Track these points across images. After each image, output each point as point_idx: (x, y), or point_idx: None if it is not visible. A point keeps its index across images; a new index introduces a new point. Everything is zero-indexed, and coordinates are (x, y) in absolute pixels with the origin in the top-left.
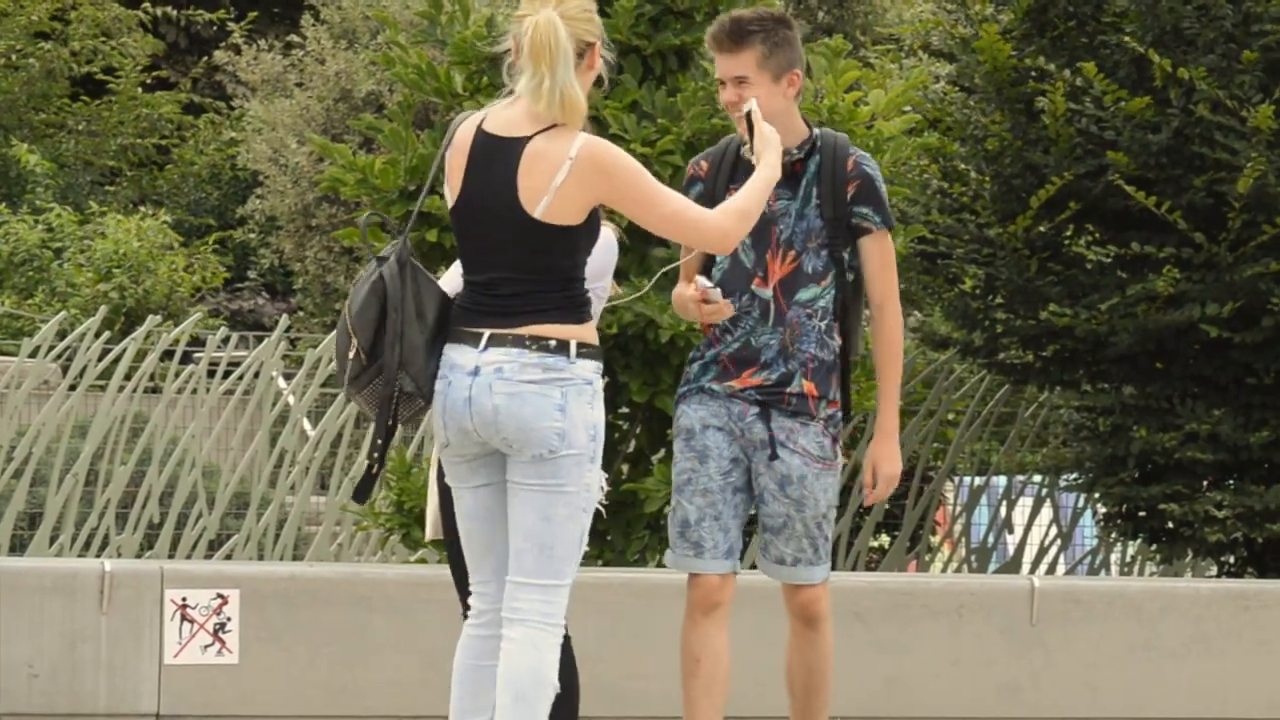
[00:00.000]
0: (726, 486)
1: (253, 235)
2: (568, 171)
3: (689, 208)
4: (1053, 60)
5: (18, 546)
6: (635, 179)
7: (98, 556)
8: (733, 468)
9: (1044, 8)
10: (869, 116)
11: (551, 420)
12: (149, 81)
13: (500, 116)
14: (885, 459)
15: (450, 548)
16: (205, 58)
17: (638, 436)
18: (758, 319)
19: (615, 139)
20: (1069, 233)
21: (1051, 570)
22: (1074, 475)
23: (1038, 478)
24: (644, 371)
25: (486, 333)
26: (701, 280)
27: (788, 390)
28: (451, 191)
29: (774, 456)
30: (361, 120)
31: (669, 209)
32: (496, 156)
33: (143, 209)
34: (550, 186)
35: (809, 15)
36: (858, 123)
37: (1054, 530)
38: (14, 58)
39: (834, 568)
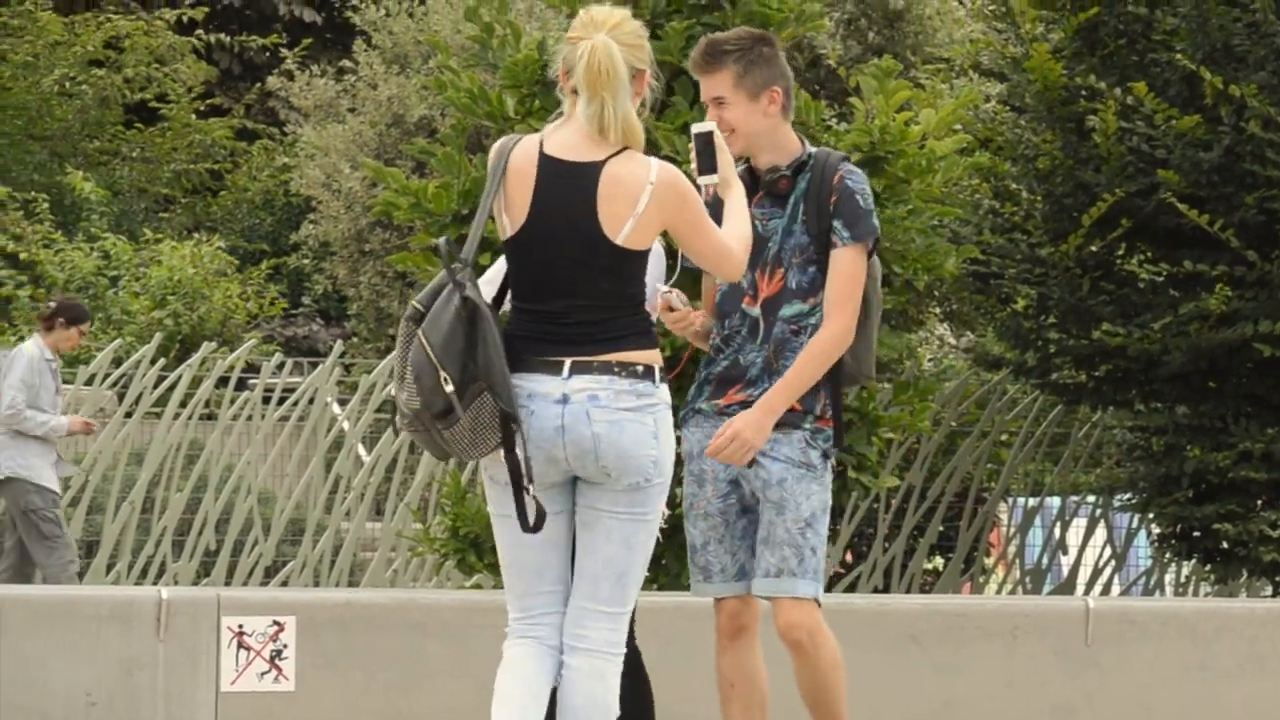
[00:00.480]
0: (728, 509)
1: (306, 261)
2: (650, 196)
3: (726, 236)
4: (1103, 79)
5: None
6: (701, 207)
7: (154, 584)
8: (731, 490)
9: (1094, 26)
10: (920, 136)
11: (648, 448)
12: (202, 108)
13: (559, 140)
14: (748, 425)
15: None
16: (258, 84)
17: None
18: (745, 337)
19: (668, 161)
20: (1121, 251)
21: (1106, 591)
22: (1128, 495)
23: (1091, 498)
24: None
25: (568, 360)
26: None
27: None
28: (514, 219)
29: (754, 463)
30: (414, 145)
31: (717, 239)
32: (569, 181)
33: (197, 235)
34: (634, 212)
35: (859, 36)
36: (909, 142)
37: (1108, 551)
38: (68, 85)
39: (887, 589)
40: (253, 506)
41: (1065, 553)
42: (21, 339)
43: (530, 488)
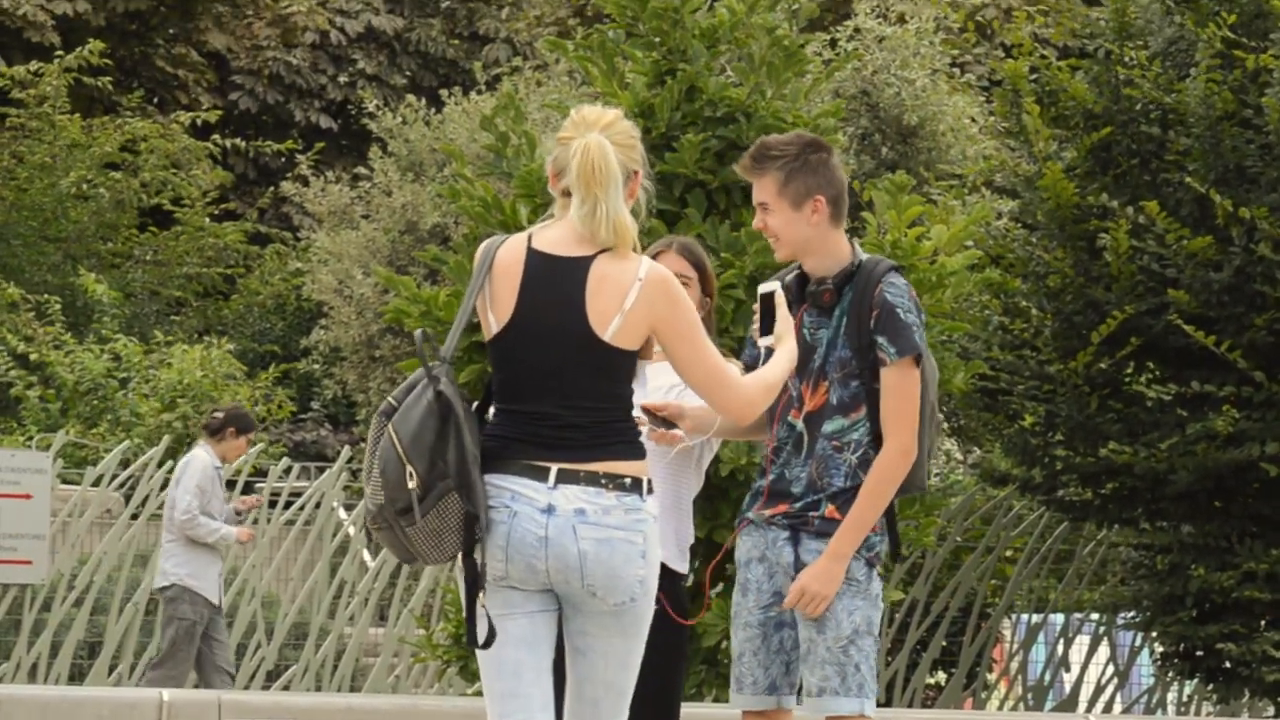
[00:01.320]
0: (768, 622)
1: (316, 366)
2: (638, 293)
3: (728, 367)
4: (1115, 198)
5: (77, 676)
6: (693, 316)
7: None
8: (774, 601)
9: (1107, 146)
10: (931, 251)
11: (636, 568)
12: (216, 212)
13: (548, 236)
14: (814, 578)
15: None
16: (272, 188)
17: (695, 570)
18: (791, 450)
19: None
20: (1129, 370)
21: (1108, 709)
22: (1131, 613)
23: (1095, 615)
24: (703, 505)
25: (554, 467)
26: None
27: (813, 514)
28: (499, 315)
29: (794, 577)
30: (427, 252)
31: (713, 361)
32: (558, 277)
33: (207, 338)
34: (622, 308)
35: (873, 151)
36: (920, 257)
37: (1111, 668)
38: (84, 188)
39: (889, 703)
40: (256, 610)
41: (1068, 670)
42: (30, 439)
43: (483, 600)
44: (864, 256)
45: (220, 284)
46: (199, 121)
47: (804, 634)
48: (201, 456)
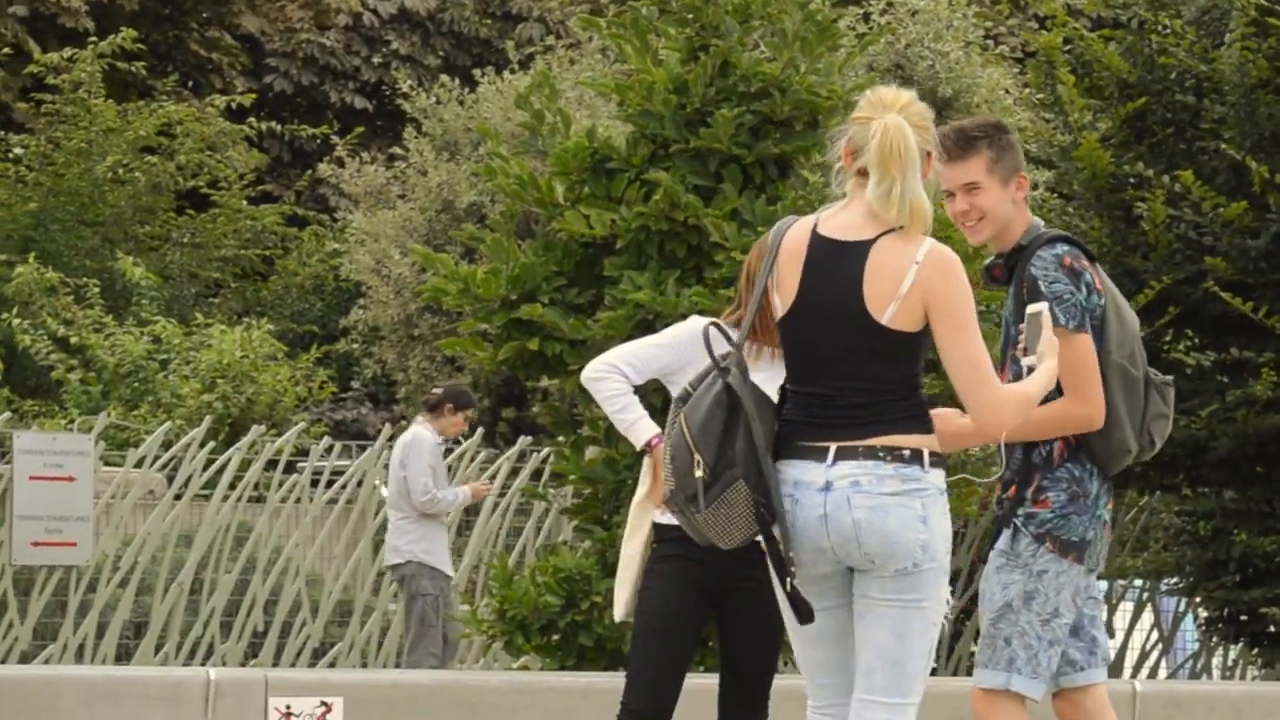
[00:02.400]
0: None
1: (355, 345)
2: (914, 276)
3: (990, 364)
4: (1151, 167)
5: (124, 655)
6: (966, 299)
7: (202, 665)
8: None
9: (1142, 115)
10: None
11: (915, 532)
12: (253, 195)
13: (836, 221)
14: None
15: (640, 648)
16: (309, 170)
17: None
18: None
19: (716, 247)
20: (1168, 338)
21: (1153, 674)
22: (1174, 579)
23: (1139, 582)
24: None
25: (833, 446)
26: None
27: (1004, 495)
28: (784, 299)
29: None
30: (464, 231)
31: (976, 350)
32: (838, 261)
33: (246, 320)
34: (898, 292)
35: None
36: (955, 229)
37: (1155, 634)
38: (121, 172)
39: (935, 672)
40: (300, 588)
41: (1112, 636)
42: (71, 422)
43: (793, 581)
44: (1039, 231)
45: (258, 266)
46: (234, 105)
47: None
48: (425, 434)
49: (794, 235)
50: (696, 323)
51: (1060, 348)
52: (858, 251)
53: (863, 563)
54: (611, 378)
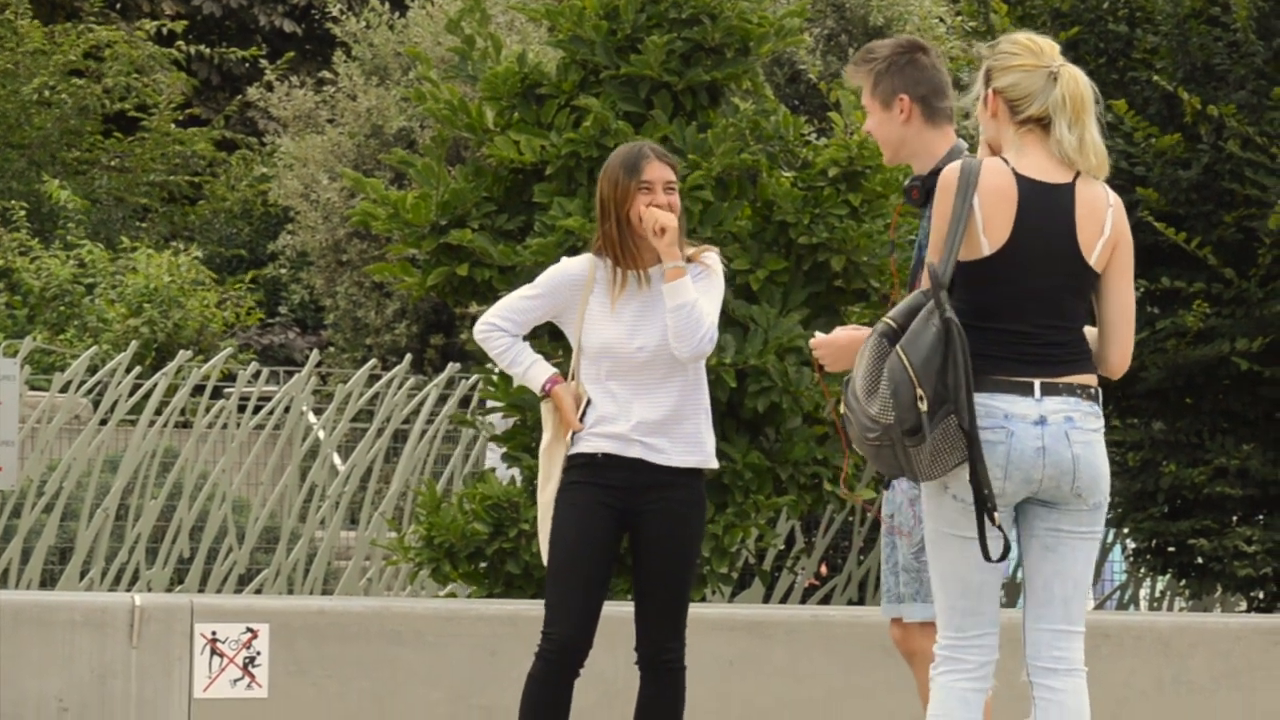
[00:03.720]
0: None
1: (284, 271)
2: (1111, 218)
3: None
4: None
5: (48, 581)
6: (1131, 243)
7: (128, 590)
8: None
9: (1074, 44)
10: None
11: (1108, 468)
12: (181, 118)
13: (1028, 164)
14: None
15: (555, 576)
16: (238, 95)
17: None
18: None
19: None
20: None
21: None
22: None
23: None
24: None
25: (1037, 381)
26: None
27: None
28: (993, 239)
29: (887, 485)
30: (393, 155)
31: (1132, 297)
32: (1049, 202)
33: (174, 244)
34: (1102, 233)
35: (839, 52)
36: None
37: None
38: (48, 94)
39: (863, 601)
40: (227, 514)
41: None
42: None
43: (996, 515)
44: (963, 154)
45: (186, 190)
46: (164, 29)
47: (886, 539)
48: None
49: (996, 176)
50: (566, 265)
51: None
52: (1065, 194)
53: (1066, 496)
54: (494, 334)
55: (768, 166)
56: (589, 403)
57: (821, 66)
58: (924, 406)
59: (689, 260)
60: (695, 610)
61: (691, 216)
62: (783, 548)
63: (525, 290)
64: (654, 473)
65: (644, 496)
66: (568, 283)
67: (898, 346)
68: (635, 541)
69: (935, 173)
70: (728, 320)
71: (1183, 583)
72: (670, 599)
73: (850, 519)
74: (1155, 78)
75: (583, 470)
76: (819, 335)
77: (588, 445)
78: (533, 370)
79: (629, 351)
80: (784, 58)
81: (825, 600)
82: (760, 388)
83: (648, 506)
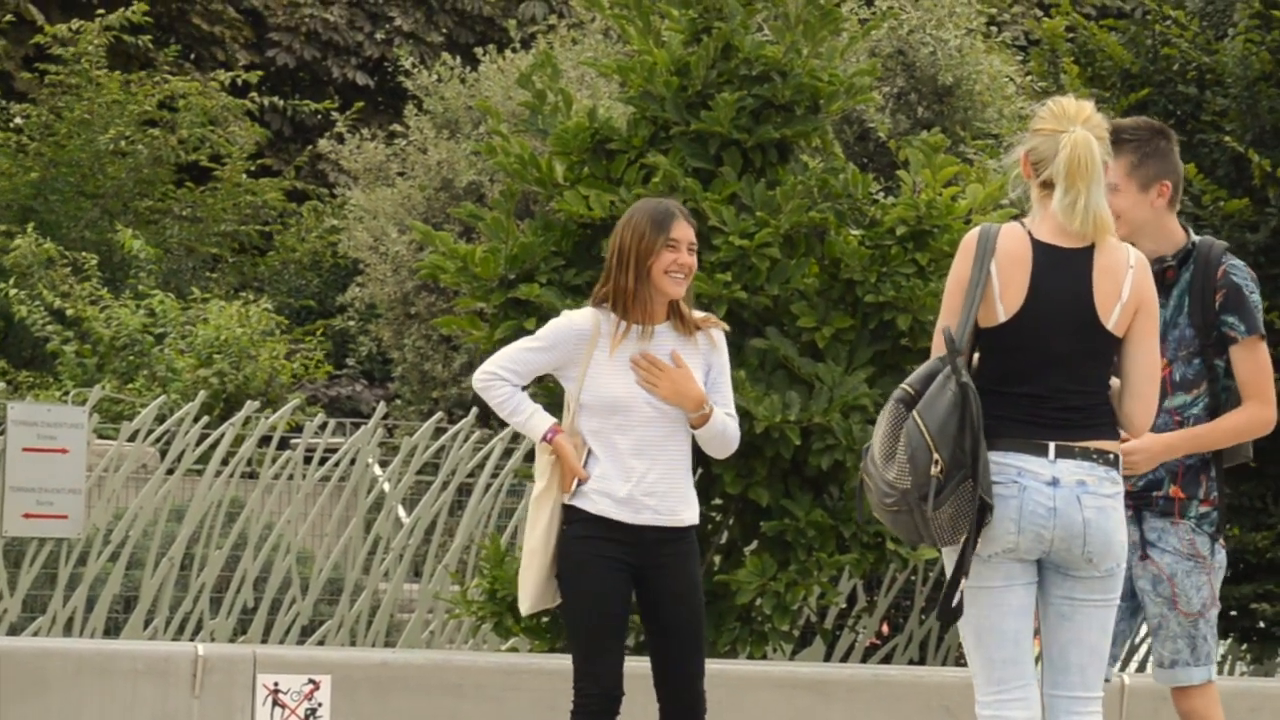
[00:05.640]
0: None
1: (352, 323)
2: (1131, 281)
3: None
4: None
5: (112, 629)
6: (1156, 304)
7: (191, 640)
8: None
9: (1144, 106)
10: (966, 211)
11: (1124, 535)
12: (253, 169)
13: (1045, 229)
14: (1143, 452)
15: (583, 633)
16: (309, 146)
17: (730, 528)
18: None
19: (714, 231)
20: None
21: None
22: None
23: None
24: (738, 463)
25: (1052, 444)
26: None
27: (1155, 493)
28: (1008, 304)
29: (1144, 556)
30: (463, 209)
31: (1157, 359)
32: (1064, 266)
33: (244, 295)
34: (1120, 297)
35: (908, 110)
36: (955, 217)
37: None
38: (122, 144)
39: (923, 661)
40: (291, 565)
41: None
42: (66, 394)
43: (965, 582)
44: (1196, 239)
45: (257, 240)
46: (238, 80)
47: (1152, 609)
48: None
49: (1012, 241)
50: (571, 317)
51: (1248, 353)
52: (1081, 258)
53: (1076, 561)
54: (495, 383)
55: (835, 224)
56: (590, 453)
57: (890, 125)
58: (936, 470)
59: (697, 328)
60: (756, 667)
61: (759, 274)
62: (844, 606)
63: (528, 343)
64: (662, 530)
65: (652, 551)
66: (573, 336)
67: (914, 411)
68: (648, 595)
69: (1186, 254)
70: (792, 378)
71: (1244, 647)
72: (688, 648)
73: (912, 578)
74: (1225, 140)
75: (586, 524)
76: None
77: (594, 506)
78: (534, 420)
79: (638, 406)
80: (853, 116)
81: (886, 660)
82: (824, 445)
83: (657, 561)
